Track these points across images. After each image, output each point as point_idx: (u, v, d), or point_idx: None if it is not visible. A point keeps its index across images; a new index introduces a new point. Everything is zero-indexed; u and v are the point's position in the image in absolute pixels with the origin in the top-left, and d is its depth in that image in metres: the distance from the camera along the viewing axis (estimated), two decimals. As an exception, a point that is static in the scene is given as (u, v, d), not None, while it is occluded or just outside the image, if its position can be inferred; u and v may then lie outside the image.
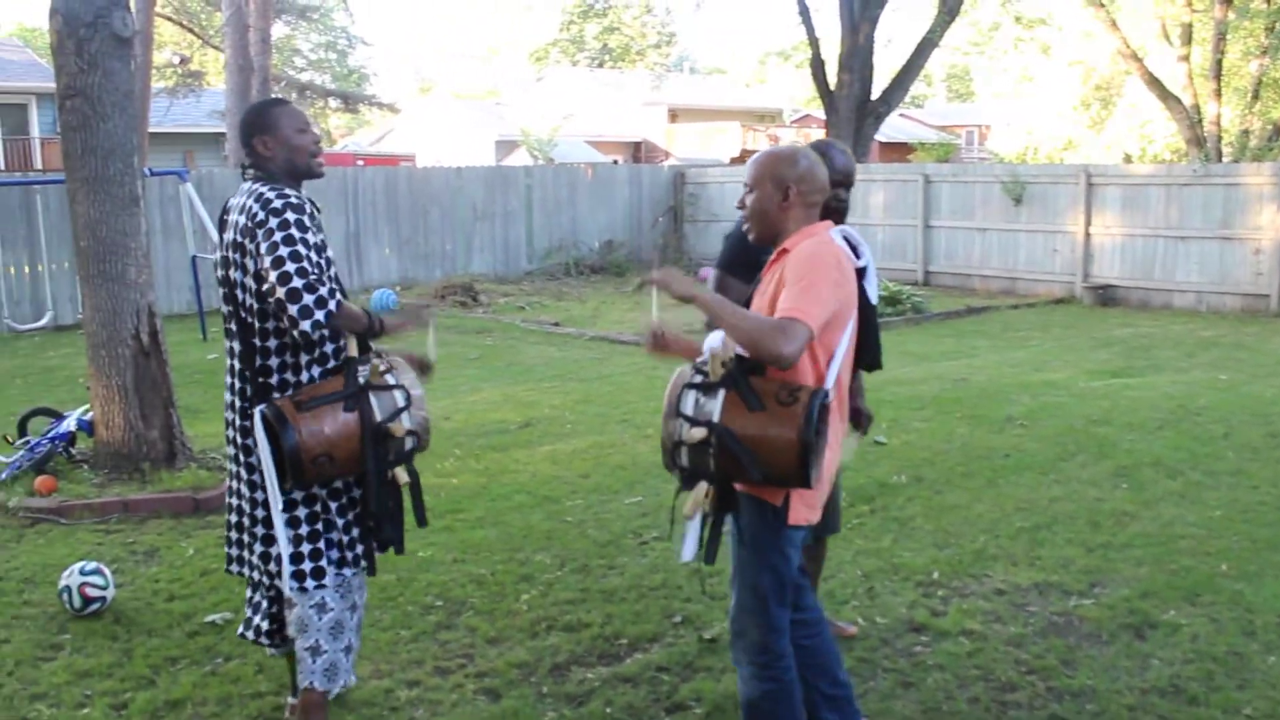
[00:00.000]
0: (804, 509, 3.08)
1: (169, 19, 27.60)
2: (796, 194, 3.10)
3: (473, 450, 7.33)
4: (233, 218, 3.50)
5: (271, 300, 3.30)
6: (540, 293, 17.12)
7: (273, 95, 22.54)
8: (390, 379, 3.45)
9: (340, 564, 3.54)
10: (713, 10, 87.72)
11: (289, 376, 3.49)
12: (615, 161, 34.48)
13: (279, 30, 36.84)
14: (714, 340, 3.05)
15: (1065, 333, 12.74)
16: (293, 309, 3.25)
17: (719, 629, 4.36)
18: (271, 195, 3.39)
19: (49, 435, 6.68)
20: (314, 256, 3.33)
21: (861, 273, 3.23)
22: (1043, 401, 8.58)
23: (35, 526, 5.86)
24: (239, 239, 3.44)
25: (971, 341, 12.08)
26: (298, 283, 3.25)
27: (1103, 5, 24.76)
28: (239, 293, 3.49)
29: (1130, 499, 6.06)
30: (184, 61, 29.96)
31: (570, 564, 5.17)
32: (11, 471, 6.40)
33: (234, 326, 3.54)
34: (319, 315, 3.27)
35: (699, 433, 2.91)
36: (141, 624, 4.56)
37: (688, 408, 2.94)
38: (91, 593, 4.60)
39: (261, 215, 3.35)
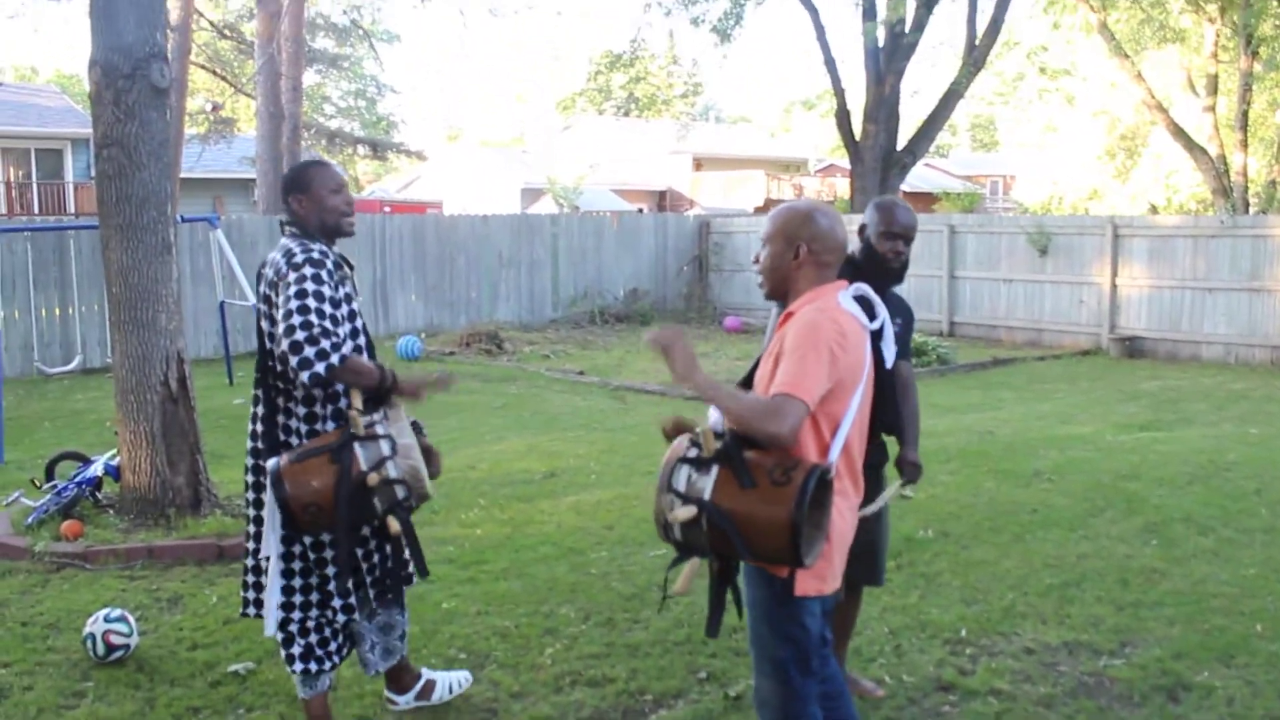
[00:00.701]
0: (812, 580, 2.98)
1: (203, 67, 28.07)
2: (808, 252, 3.04)
3: (497, 500, 7.31)
4: (265, 270, 3.66)
5: (279, 351, 3.44)
6: (565, 341, 17.15)
7: (302, 141, 22.85)
8: (379, 429, 3.50)
9: (380, 596, 3.85)
10: (738, 59, 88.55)
11: (312, 426, 3.65)
12: (640, 210, 34.68)
13: (309, 78, 37.36)
14: (714, 415, 2.99)
15: (1092, 385, 12.66)
16: (293, 360, 3.39)
17: (744, 685, 4.32)
18: (296, 250, 3.58)
19: (76, 479, 6.70)
20: (326, 309, 3.47)
21: (877, 334, 3.14)
22: (1070, 455, 8.51)
23: (61, 571, 5.87)
24: (267, 291, 3.64)
25: (997, 393, 12.01)
26: (300, 335, 3.38)
27: (1128, 56, 24.85)
28: (268, 342, 3.65)
29: (1160, 556, 5.98)
30: (216, 109, 30.43)
31: (595, 617, 5.13)
32: (38, 515, 6.42)
33: (260, 374, 3.68)
34: (319, 367, 3.38)
35: (687, 512, 2.83)
36: (164, 673, 4.55)
37: (680, 484, 2.87)
38: (115, 640, 4.59)
39: (284, 269, 3.55)
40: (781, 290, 3.13)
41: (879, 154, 17.87)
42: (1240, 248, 14.48)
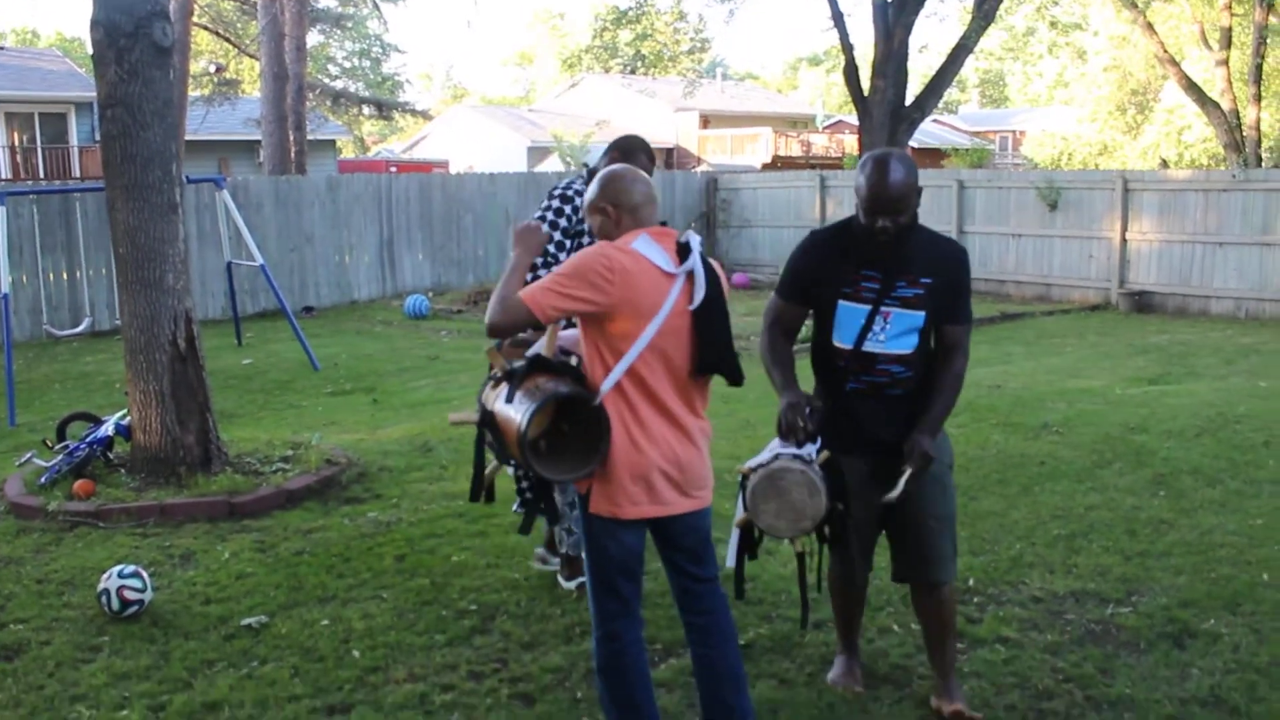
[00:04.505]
0: (603, 501, 3.24)
1: (206, 28, 27.89)
2: (614, 211, 3.31)
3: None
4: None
5: None
6: (572, 299, 17.13)
7: (306, 102, 22.73)
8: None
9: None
10: (745, 16, 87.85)
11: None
12: (647, 168, 34.38)
13: (313, 38, 37.11)
14: (568, 337, 3.45)
15: (1101, 339, 12.64)
16: None
17: (752, 634, 4.36)
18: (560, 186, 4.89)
19: (87, 439, 6.75)
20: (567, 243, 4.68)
21: (689, 276, 3.27)
22: (1079, 409, 8.50)
23: (74, 530, 5.92)
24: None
25: (1006, 348, 12.00)
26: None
27: (1136, 5, 24.57)
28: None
29: (1168, 507, 5.99)
30: (220, 70, 30.25)
31: (603, 570, 5.16)
32: (51, 475, 6.47)
33: None
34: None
35: (460, 415, 3.46)
36: (178, 627, 4.60)
37: (480, 398, 3.42)
38: (130, 595, 4.64)
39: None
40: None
41: (887, 110, 17.70)
42: (1252, 202, 14.40)
